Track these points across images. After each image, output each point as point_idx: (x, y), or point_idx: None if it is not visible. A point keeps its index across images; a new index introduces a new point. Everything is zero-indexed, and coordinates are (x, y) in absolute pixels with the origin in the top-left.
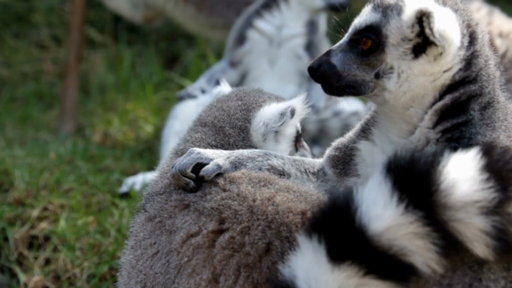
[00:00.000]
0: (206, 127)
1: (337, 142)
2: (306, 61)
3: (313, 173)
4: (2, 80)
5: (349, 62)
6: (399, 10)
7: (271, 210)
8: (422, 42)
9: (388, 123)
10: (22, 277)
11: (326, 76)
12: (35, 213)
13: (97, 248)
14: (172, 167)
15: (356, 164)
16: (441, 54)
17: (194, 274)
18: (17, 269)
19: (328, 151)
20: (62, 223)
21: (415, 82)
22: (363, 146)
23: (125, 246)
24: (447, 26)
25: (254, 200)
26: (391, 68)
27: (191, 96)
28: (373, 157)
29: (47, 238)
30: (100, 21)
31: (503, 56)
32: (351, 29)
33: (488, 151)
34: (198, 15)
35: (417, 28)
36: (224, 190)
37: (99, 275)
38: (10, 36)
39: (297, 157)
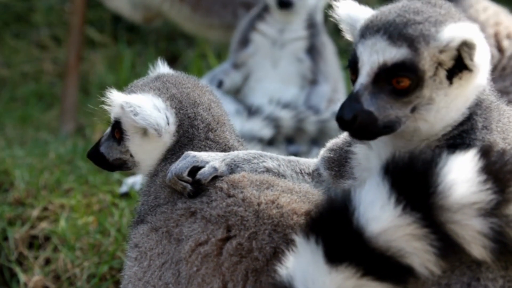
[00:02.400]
0: (224, 126)
1: (332, 143)
2: (307, 64)
3: (308, 174)
4: (2, 80)
5: (383, 104)
6: (428, 39)
7: (276, 213)
8: (455, 67)
9: (397, 142)
10: (22, 277)
11: (366, 126)
12: (35, 213)
13: (97, 248)
14: (168, 172)
15: (351, 167)
16: (471, 76)
17: (204, 284)
18: (17, 269)
19: (323, 152)
20: (62, 223)
21: (451, 107)
22: (359, 149)
23: (127, 259)
24: (483, 52)
25: (259, 204)
26: (429, 99)
27: None
28: (369, 161)
29: (47, 238)
30: (100, 21)
31: (510, 57)
32: (370, 67)
33: (486, 152)
34: (194, 15)
35: (452, 54)
36: (229, 196)
37: (99, 275)
38: (10, 36)
39: (291, 157)
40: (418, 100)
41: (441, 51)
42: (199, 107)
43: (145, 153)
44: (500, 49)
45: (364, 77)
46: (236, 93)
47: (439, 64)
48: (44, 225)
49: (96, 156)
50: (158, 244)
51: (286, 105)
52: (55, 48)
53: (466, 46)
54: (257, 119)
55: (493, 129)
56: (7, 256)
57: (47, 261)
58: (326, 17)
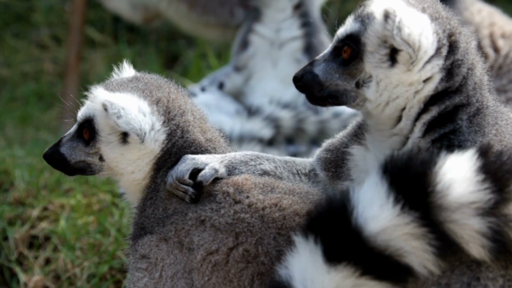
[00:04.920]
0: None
1: (328, 143)
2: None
3: (305, 174)
4: (2, 80)
5: (331, 71)
6: (373, 16)
7: (279, 216)
8: (394, 48)
9: (381, 138)
10: (22, 277)
11: (308, 86)
12: (35, 213)
13: (97, 248)
14: (168, 177)
15: (348, 169)
16: (409, 60)
17: None
18: (17, 269)
19: (319, 152)
20: (62, 223)
21: (395, 92)
22: (356, 151)
23: (133, 270)
24: (414, 32)
25: (263, 209)
26: (370, 77)
27: (191, 94)
28: (366, 162)
29: (47, 238)
30: (100, 21)
31: (506, 56)
32: (334, 39)
33: (484, 152)
34: (191, 13)
35: (384, 30)
36: (236, 202)
37: (99, 275)
38: (10, 36)
39: (287, 157)
40: (359, 73)
41: (381, 26)
42: (187, 112)
43: (128, 162)
44: (495, 48)
45: (328, 47)
46: (238, 97)
47: (384, 42)
48: (44, 225)
49: (54, 157)
50: (170, 254)
51: (286, 105)
52: (55, 48)
53: (389, 19)
54: (257, 119)
55: (487, 133)
56: (7, 256)
57: (47, 261)
58: (325, 15)
